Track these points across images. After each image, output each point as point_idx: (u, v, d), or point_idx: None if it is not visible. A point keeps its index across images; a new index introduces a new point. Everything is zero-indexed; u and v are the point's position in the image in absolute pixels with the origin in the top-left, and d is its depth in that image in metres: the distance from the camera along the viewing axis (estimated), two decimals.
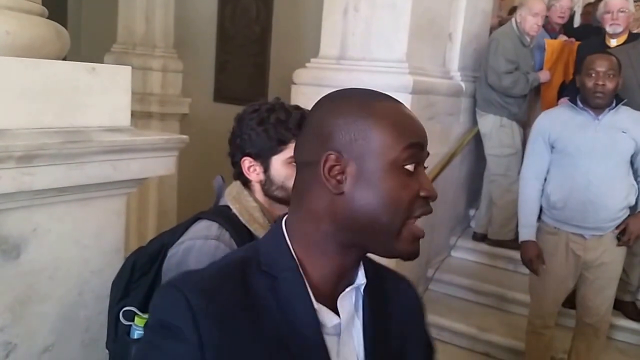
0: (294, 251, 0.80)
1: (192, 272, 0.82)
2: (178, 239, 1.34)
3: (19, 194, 1.31)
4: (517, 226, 2.80)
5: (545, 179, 2.61)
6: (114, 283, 1.38)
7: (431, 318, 3.57)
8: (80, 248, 1.50)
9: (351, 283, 0.83)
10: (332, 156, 0.76)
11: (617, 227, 2.52)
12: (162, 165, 1.63)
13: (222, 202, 1.41)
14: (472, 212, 4.45)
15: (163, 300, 0.76)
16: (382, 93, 0.82)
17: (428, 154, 0.81)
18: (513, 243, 3.55)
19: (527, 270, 2.73)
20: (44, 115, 1.40)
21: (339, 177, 0.76)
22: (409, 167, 0.76)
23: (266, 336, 0.75)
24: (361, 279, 0.83)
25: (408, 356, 0.89)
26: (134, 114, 1.63)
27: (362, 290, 0.84)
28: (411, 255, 0.80)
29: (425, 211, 0.80)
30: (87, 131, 1.46)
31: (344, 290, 0.81)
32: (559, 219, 2.58)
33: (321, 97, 0.84)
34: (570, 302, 2.84)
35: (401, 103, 0.82)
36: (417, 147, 0.78)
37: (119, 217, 1.60)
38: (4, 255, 1.34)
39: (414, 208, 0.77)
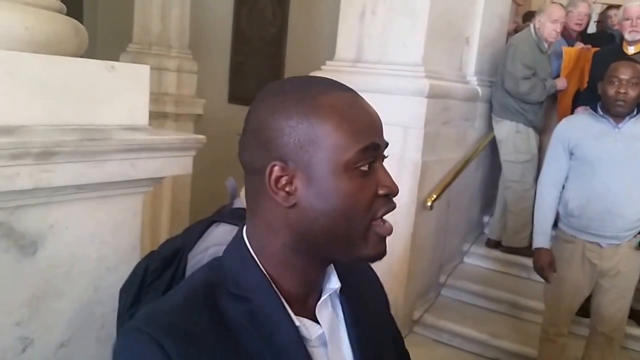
0: (262, 265, 0.73)
1: (154, 307, 0.71)
2: (194, 243, 1.32)
3: (36, 190, 1.32)
4: (531, 233, 2.78)
5: (564, 186, 2.59)
6: (123, 290, 1.36)
7: (443, 324, 3.58)
8: (97, 245, 1.51)
9: (323, 289, 0.78)
10: (277, 167, 0.69)
11: (639, 233, 2.49)
12: (180, 165, 1.63)
13: (236, 205, 1.40)
14: (486, 218, 4.42)
15: (132, 351, 0.66)
16: (329, 82, 0.73)
17: (387, 143, 0.74)
18: (527, 250, 3.53)
19: (540, 278, 2.71)
20: (62, 112, 1.40)
21: (287, 189, 0.69)
22: (364, 167, 0.70)
23: None
24: (334, 282, 0.79)
25: (386, 349, 0.87)
26: (149, 114, 1.63)
27: (337, 294, 0.80)
28: (378, 257, 0.75)
29: (389, 209, 0.73)
30: (105, 129, 1.46)
31: (319, 297, 0.77)
32: (576, 227, 2.56)
33: (262, 91, 0.75)
34: (584, 310, 2.81)
35: (352, 91, 0.73)
36: (373, 147, 0.71)
37: (136, 215, 1.60)
38: (21, 251, 1.35)
39: (375, 209, 0.72)
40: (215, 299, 0.70)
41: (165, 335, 0.64)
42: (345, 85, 0.73)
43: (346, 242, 0.72)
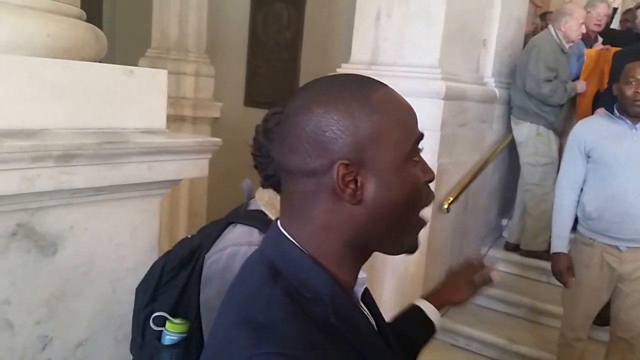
0: (324, 265, 0.74)
1: (273, 328, 0.66)
2: (211, 244, 1.33)
3: (57, 192, 1.34)
4: (550, 237, 2.75)
5: (582, 189, 2.57)
6: (139, 288, 1.36)
7: (460, 328, 3.54)
8: (115, 246, 1.53)
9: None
10: (343, 165, 0.69)
11: None
12: (196, 167, 1.65)
13: (252, 207, 1.40)
14: (504, 221, 4.38)
15: None
16: (371, 80, 0.75)
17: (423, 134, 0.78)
18: (546, 254, 3.48)
19: (559, 282, 2.68)
20: (82, 116, 1.43)
21: (352, 186, 0.70)
22: (416, 158, 0.74)
23: None
24: (362, 273, 0.81)
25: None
26: (167, 118, 1.65)
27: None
28: (417, 247, 0.79)
29: (432, 196, 0.78)
30: (124, 132, 1.48)
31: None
32: (594, 230, 2.53)
33: (301, 92, 0.75)
34: (602, 319, 2.77)
35: (387, 85, 0.76)
36: (421, 137, 0.76)
37: (154, 216, 1.63)
38: (41, 252, 1.38)
39: (425, 197, 0.77)
40: (303, 309, 0.69)
41: (309, 351, 0.64)
42: (379, 81, 0.76)
43: (403, 231, 0.76)
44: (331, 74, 0.82)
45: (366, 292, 0.85)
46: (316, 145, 0.70)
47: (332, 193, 0.71)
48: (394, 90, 0.76)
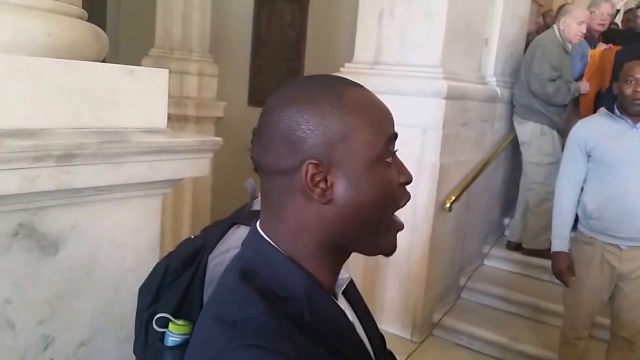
0: (300, 265, 0.74)
1: (246, 322, 0.67)
2: (214, 245, 1.33)
3: (58, 192, 1.35)
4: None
5: (582, 188, 2.56)
6: (142, 288, 1.36)
7: (463, 327, 3.54)
8: (117, 246, 1.54)
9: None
10: (311, 165, 0.70)
11: None
12: (197, 167, 1.66)
13: (255, 207, 1.40)
14: (506, 220, 4.38)
15: None
16: (342, 78, 0.76)
17: (397, 134, 0.78)
18: (548, 252, 3.45)
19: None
20: (83, 116, 1.44)
21: (322, 185, 0.71)
22: (389, 159, 0.74)
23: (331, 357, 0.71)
24: (344, 273, 0.82)
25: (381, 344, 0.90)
26: (170, 117, 1.66)
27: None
28: (394, 249, 0.78)
29: (408, 198, 0.78)
30: (124, 132, 1.49)
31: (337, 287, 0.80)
32: (594, 229, 2.53)
33: (278, 91, 0.77)
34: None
35: (364, 87, 0.77)
36: (394, 138, 0.75)
37: (155, 216, 1.63)
38: (42, 252, 1.38)
39: (399, 198, 0.76)
40: (277, 306, 0.69)
41: (286, 347, 0.64)
42: (355, 82, 0.76)
43: (374, 233, 0.75)
44: (308, 74, 0.83)
45: (351, 291, 0.85)
46: (287, 144, 0.71)
47: (302, 192, 0.72)
48: (368, 91, 0.76)
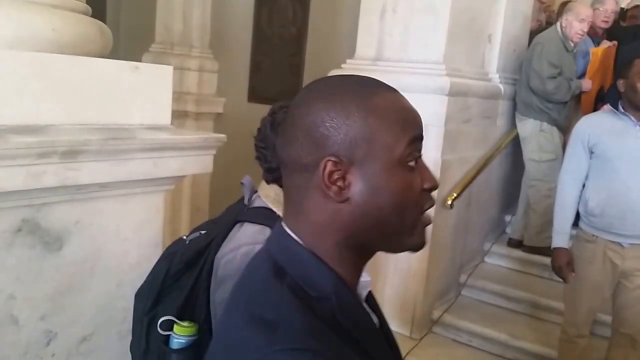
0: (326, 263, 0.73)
1: (285, 324, 0.65)
2: (219, 246, 1.30)
3: (62, 188, 1.35)
4: None
5: (584, 185, 2.56)
6: (139, 293, 1.36)
7: (462, 324, 3.54)
8: (120, 241, 1.54)
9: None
10: (330, 162, 0.70)
11: None
12: (201, 164, 1.66)
13: (257, 204, 1.39)
14: (507, 217, 4.38)
15: None
16: (376, 82, 0.75)
17: (423, 138, 0.77)
18: (549, 250, 3.45)
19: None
20: (87, 112, 1.44)
21: (339, 184, 0.70)
22: (411, 163, 0.73)
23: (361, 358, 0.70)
24: (365, 276, 0.80)
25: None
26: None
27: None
28: (422, 246, 0.77)
29: (431, 204, 0.76)
30: (129, 128, 1.49)
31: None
32: (596, 227, 2.53)
33: (306, 87, 0.77)
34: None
35: (397, 91, 0.76)
36: (418, 140, 0.74)
37: (158, 212, 1.63)
38: (46, 247, 1.38)
39: (422, 203, 0.75)
40: (308, 305, 0.68)
41: (323, 345, 0.64)
42: (390, 86, 0.76)
43: (396, 234, 0.74)
44: (337, 72, 0.83)
45: (369, 295, 0.84)
46: (310, 140, 0.71)
47: (320, 189, 0.71)
48: (399, 96, 0.75)
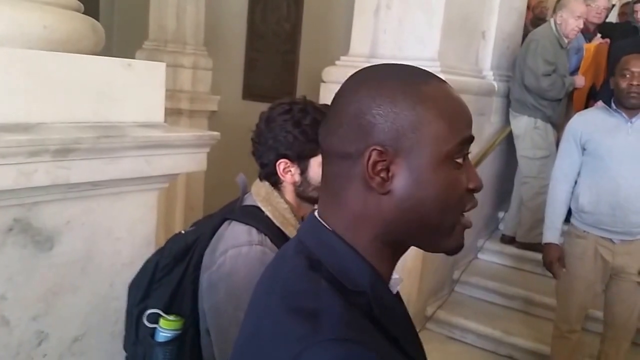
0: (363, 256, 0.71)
1: (326, 314, 0.63)
2: (207, 241, 1.32)
3: (53, 187, 1.34)
4: None
5: (576, 182, 2.58)
6: (132, 285, 1.37)
7: (456, 320, 3.55)
8: (112, 241, 1.53)
9: None
10: (375, 152, 0.67)
11: None
12: (194, 161, 1.65)
13: (248, 202, 1.39)
14: (500, 214, 4.39)
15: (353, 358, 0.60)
16: (425, 71, 0.72)
17: (473, 137, 0.73)
18: (541, 246, 3.49)
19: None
20: (80, 110, 1.42)
21: (383, 175, 0.67)
22: (459, 160, 0.69)
23: (395, 353, 0.68)
24: (395, 273, 0.77)
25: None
26: (164, 111, 1.64)
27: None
28: (459, 249, 0.74)
29: (474, 204, 0.73)
30: (121, 126, 1.48)
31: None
32: (588, 223, 2.55)
33: (352, 75, 0.74)
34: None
35: (447, 83, 0.73)
36: (469, 140, 0.71)
37: (151, 211, 1.62)
38: (38, 247, 1.37)
39: (464, 203, 0.71)
40: (346, 297, 0.66)
41: (364, 336, 0.62)
42: (439, 77, 0.73)
43: (435, 232, 0.71)
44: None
45: (397, 293, 0.81)
46: (355, 128, 0.68)
47: (362, 179, 0.68)
48: (450, 88, 0.72)
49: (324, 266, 0.69)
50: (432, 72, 0.74)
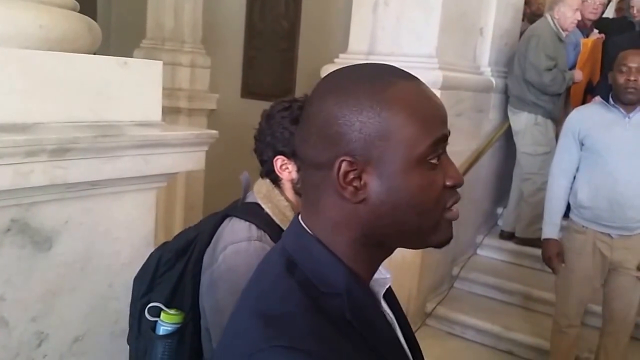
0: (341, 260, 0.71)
1: (286, 322, 0.64)
2: (207, 236, 1.33)
3: (51, 187, 1.33)
4: None
5: (575, 177, 2.58)
6: (136, 278, 1.38)
7: (456, 316, 3.56)
8: (111, 240, 1.52)
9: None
10: (345, 162, 0.66)
11: None
12: (192, 160, 1.64)
13: (249, 199, 1.40)
14: (499, 210, 4.39)
15: None
16: (394, 71, 0.70)
17: (449, 132, 0.71)
18: (540, 241, 3.49)
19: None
20: (76, 109, 1.42)
21: (355, 184, 0.67)
22: (434, 160, 0.68)
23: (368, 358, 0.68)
24: (385, 272, 0.77)
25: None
26: (162, 110, 1.64)
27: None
28: (447, 242, 0.74)
29: (456, 200, 0.72)
30: (119, 125, 1.47)
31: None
32: (586, 218, 2.56)
33: (321, 81, 0.72)
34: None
35: (416, 79, 0.70)
36: (443, 138, 0.69)
37: (150, 210, 1.62)
38: (36, 247, 1.37)
39: (444, 201, 0.70)
40: (316, 302, 0.66)
41: (322, 346, 0.62)
42: (408, 73, 0.71)
43: (417, 233, 0.71)
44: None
45: (391, 296, 0.82)
46: (324, 138, 0.68)
47: (336, 189, 0.68)
48: (420, 86, 0.70)
49: (300, 269, 0.69)
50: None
